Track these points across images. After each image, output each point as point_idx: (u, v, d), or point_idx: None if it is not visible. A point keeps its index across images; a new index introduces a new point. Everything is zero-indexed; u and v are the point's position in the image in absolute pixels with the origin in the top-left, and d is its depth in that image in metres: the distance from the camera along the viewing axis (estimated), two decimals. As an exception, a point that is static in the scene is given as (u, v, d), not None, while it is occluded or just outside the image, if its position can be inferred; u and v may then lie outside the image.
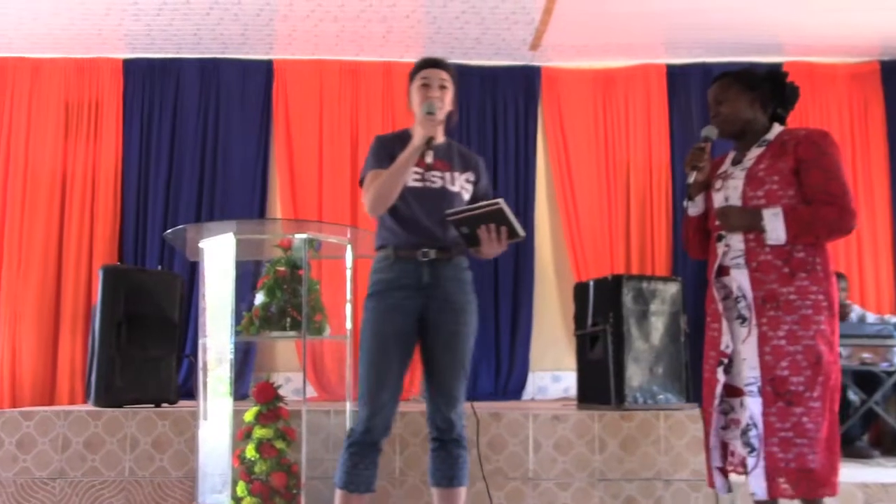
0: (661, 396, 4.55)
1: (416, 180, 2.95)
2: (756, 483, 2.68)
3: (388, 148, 3.01)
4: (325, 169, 6.85)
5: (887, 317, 6.09)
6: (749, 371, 2.73)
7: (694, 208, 3.01)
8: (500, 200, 2.77)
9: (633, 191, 6.94)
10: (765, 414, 2.67)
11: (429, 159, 2.91)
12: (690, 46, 6.88)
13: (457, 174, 3.03)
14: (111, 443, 4.31)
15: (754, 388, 2.71)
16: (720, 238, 2.88)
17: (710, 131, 2.95)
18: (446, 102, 3.03)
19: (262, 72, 6.96)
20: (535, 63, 7.08)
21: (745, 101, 2.92)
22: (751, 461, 2.70)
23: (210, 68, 6.95)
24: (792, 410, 2.65)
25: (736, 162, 2.94)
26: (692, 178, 2.92)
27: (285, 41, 6.73)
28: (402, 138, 3.01)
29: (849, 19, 6.35)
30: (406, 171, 2.88)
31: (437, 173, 2.99)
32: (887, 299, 6.81)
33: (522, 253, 6.84)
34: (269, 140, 6.94)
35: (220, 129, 6.89)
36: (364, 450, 2.88)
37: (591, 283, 4.89)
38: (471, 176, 3.08)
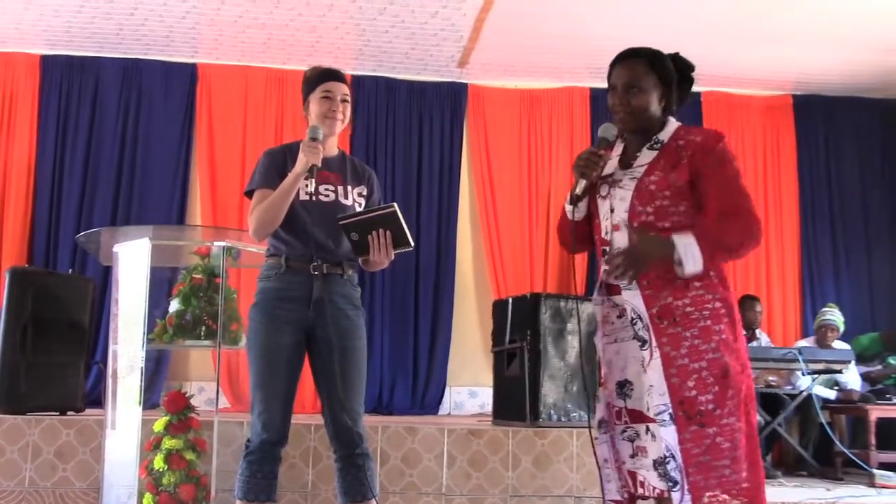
0: (574, 414, 4.61)
1: (309, 194, 2.90)
2: None
3: (277, 163, 2.96)
4: (247, 176, 6.62)
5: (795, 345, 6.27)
6: (657, 398, 2.44)
7: (578, 213, 2.72)
8: (394, 204, 2.75)
9: (553, 210, 7.04)
10: (681, 441, 2.40)
11: (310, 188, 2.84)
12: (614, 71, 7.03)
13: (349, 187, 3.00)
14: (11, 451, 4.13)
15: (666, 416, 2.42)
16: (605, 253, 2.61)
17: (608, 131, 2.59)
18: (346, 117, 3.02)
19: (186, 75, 6.85)
20: (463, 80, 7.15)
21: (657, 94, 2.57)
22: (675, 496, 2.42)
23: (132, 69, 6.79)
24: (705, 432, 2.40)
25: (625, 165, 2.61)
26: (581, 186, 2.58)
27: (211, 45, 6.64)
28: (293, 150, 2.96)
29: (765, 55, 6.64)
30: (288, 198, 2.83)
31: (330, 187, 2.95)
32: (793, 325, 7.06)
33: (443, 268, 6.88)
34: (191, 145, 6.82)
35: (139, 131, 6.74)
36: (261, 459, 2.84)
37: (510, 301, 4.94)
38: (363, 189, 3.04)
